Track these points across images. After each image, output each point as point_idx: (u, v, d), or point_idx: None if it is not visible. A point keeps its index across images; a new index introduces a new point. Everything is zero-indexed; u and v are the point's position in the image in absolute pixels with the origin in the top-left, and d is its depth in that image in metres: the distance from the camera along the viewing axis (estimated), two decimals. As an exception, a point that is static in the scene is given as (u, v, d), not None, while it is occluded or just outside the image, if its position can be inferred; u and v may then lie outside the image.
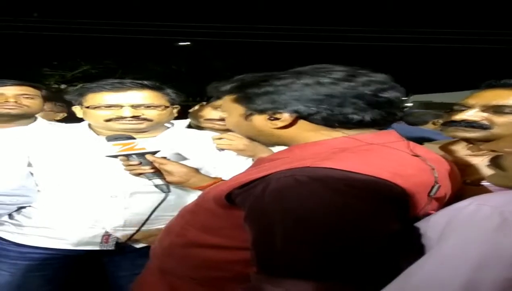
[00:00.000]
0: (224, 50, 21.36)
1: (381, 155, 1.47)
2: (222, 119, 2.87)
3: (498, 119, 1.88)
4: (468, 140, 1.98)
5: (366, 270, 1.30)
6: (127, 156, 2.19)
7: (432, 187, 1.47)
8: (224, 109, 1.74)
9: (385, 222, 1.35)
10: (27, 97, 2.99)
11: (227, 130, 2.65)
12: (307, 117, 1.52)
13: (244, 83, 1.61)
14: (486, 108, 1.90)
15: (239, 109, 1.63)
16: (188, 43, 23.26)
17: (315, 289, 1.26)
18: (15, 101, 2.92)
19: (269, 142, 1.74)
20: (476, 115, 1.92)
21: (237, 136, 2.51)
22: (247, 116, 1.61)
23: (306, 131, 1.55)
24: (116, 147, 2.18)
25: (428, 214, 1.41)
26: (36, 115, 3.14)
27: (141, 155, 2.19)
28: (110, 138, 2.22)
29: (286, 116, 1.53)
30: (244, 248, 1.45)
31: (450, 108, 2.07)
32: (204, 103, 3.11)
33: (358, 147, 1.48)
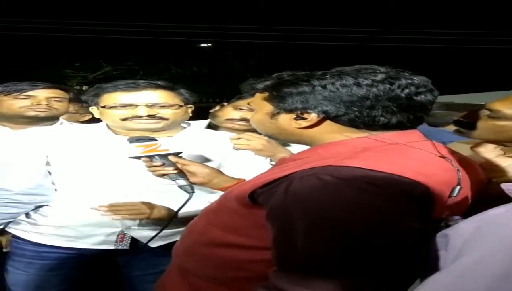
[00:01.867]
0: (245, 52, 21.38)
1: (404, 154, 1.46)
2: (243, 120, 2.89)
3: None
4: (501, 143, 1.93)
5: (388, 268, 1.30)
6: (150, 157, 2.18)
7: (453, 188, 1.44)
8: (252, 106, 1.74)
9: (408, 220, 1.35)
10: (57, 100, 3.02)
11: (247, 130, 2.65)
12: (334, 118, 1.52)
13: (282, 81, 1.60)
14: None
15: (267, 107, 1.63)
16: (209, 44, 23.33)
17: (336, 288, 1.27)
18: (47, 104, 2.96)
19: (289, 141, 1.77)
20: None
21: (255, 136, 2.51)
22: (273, 115, 1.62)
23: (329, 132, 1.55)
24: (139, 148, 2.17)
25: (449, 217, 1.38)
26: (60, 117, 3.18)
27: (164, 156, 2.18)
28: (132, 140, 2.22)
29: (313, 117, 1.53)
30: (267, 248, 1.45)
31: (472, 109, 2.02)
32: (225, 103, 3.10)
33: (381, 147, 1.47)
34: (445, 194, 1.43)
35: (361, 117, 1.49)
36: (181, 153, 2.22)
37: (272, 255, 1.41)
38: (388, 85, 1.47)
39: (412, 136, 1.54)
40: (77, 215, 2.43)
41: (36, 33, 19.34)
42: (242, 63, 21.03)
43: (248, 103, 2.74)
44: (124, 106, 2.40)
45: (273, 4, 20.21)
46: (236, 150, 2.55)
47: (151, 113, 2.39)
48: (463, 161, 1.61)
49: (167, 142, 2.25)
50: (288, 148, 2.56)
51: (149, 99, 2.41)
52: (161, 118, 2.41)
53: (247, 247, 1.56)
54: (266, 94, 1.64)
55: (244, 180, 2.19)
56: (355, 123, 1.51)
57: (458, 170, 1.48)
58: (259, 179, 1.54)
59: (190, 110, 2.58)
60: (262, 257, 1.49)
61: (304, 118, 1.54)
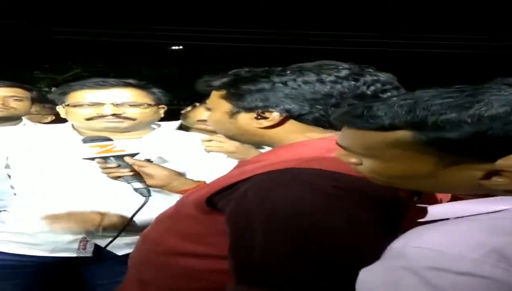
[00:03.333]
0: (216, 55, 21.44)
1: None
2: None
3: None
4: None
5: (350, 277, 1.19)
6: (105, 158, 2.08)
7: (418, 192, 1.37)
8: (209, 105, 1.65)
9: (376, 230, 1.26)
10: (15, 99, 2.95)
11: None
12: (297, 117, 1.45)
13: (240, 78, 1.52)
14: None
15: (225, 106, 1.54)
16: (181, 47, 23.31)
17: None
18: (2, 104, 2.89)
19: (250, 142, 1.70)
20: None
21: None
22: (232, 114, 1.53)
23: (293, 132, 1.48)
24: (94, 149, 2.09)
25: None
26: (22, 118, 3.09)
27: (119, 157, 2.09)
28: (86, 140, 2.13)
29: (275, 116, 1.45)
30: (226, 257, 1.36)
31: None
32: (197, 104, 3.02)
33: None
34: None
35: (326, 116, 1.43)
36: (137, 153, 2.13)
37: (230, 265, 1.33)
38: (353, 82, 1.42)
39: None
40: (36, 221, 2.29)
41: (4, 35, 19.17)
42: (214, 66, 21.05)
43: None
44: (91, 105, 2.31)
45: (247, 7, 20.26)
46: (207, 152, 2.47)
47: (117, 112, 2.29)
48: None
49: (130, 144, 2.17)
50: (262, 150, 2.46)
51: (117, 97, 2.32)
52: (126, 117, 2.31)
53: (208, 256, 1.46)
54: (224, 92, 1.55)
55: (204, 182, 2.10)
56: (320, 123, 1.45)
57: None
58: (217, 183, 1.46)
59: (162, 111, 2.49)
60: (221, 267, 1.39)
61: (265, 118, 1.47)
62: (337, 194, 1.26)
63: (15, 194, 2.37)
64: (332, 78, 1.42)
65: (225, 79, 1.55)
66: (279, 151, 1.49)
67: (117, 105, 2.30)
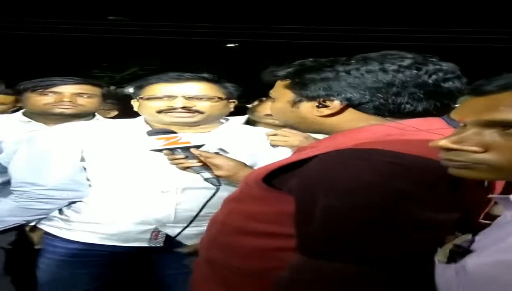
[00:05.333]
0: (273, 52, 21.39)
1: (430, 139, 1.37)
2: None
3: None
4: None
5: (406, 256, 1.26)
6: (172, 150, 2.14)
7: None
8: (273, 95, 1.69)
9: (436, 206, 1.29)
10: (84, 97, 2.97)
11: (284, 126, 2.58)
12: (358, 106, 1.47)
13: (304, 68, 1.55)
14: None
15: (288, 95, 1.58)
16: (236, 44, 23.35)
17: (349, 273, 1.25)
18: (70, 101, 2.91)
19: (309, 130, 1.73)
20: None
21: (293, 132, 2.45)
22: (295, 103, 1.57)
23: (351, 121, 1.50)
24: (160, 141, 2.14)
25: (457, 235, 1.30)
26: (96, 113, 3.15)
27: (186, 149, 2.13)
28: (151, 133, 2.19)
29: (336, 104, 1.48)
30: (295, 236, 1.40)
31: None
32: (264, 99, 3.05)
33: (404, 133, 1.41)
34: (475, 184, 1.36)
35: (386, 104, 1.45)
36: (202, 145, 2.18)
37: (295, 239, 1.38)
38: (415, 71, 1.43)
39: (436, 123, 1.47)
40: (110, 212, 2.38)
41: (64, 34, 19.52)
42: (273, 63, 20.94)
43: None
44: (163, 97, 2.35)
45: (304, 4, 20.15)
46: (273, 146, 2.49)
47: (187, 105, 2.33)
48: None
49: (195, 137, 2.22)
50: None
51: (189, 91, 2.36)
52: (196, 111, 2.35)
53: (274, 234, 1.49)
54: (288, 82, 1.59)
55: None
56: (380, 111, 1.46)
57: None
58: (275, 163, 1.50)
59: (232, 105, 2.52)
60: (291, 245, 1.42)
61: (326, 106, 1.50)
62: (397, 171, 1.27)
63: (90, 186, 2.43)
64: (395, 67, 1.43)
65: (290, 69, 1.59)
66: (337, 137, 1.51)
67: (188, 98, 2.34)
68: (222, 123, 2.55)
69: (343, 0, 18.49)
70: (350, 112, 1.49)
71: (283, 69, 1.61)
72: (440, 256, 1.12)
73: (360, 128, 1.47)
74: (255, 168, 2.21)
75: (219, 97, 2.41)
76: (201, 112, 2.36)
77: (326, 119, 1.52)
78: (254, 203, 1.54)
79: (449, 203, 1.32)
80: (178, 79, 2.38)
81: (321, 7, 19.51)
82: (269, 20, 19.85)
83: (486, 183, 1.39)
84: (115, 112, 4.46)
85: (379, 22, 18.57)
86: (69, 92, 2.92)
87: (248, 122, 3.02)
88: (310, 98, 1.52)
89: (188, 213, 2.30)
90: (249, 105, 3.12)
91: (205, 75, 2.43)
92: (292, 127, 1.76)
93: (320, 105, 1.51)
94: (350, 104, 1.47)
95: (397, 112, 1.45)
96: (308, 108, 1.54)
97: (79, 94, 2.96)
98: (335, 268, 1.26)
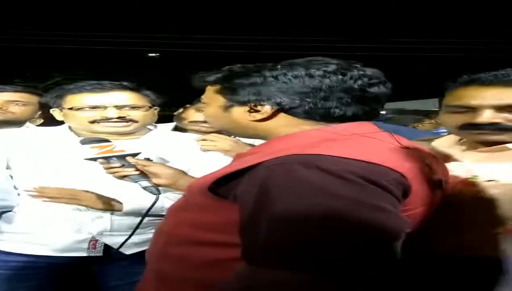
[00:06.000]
0: (194, 61, 21.42)
1: (366, 144, 1.45)
2: (206, 121, 2.84)
3: None
4: (492, 143, 1.88)
5: (359, 263, 1.26)
6: (107, 159, 2.10)
7: (440, 180, 1.47)
8: (204, 100, 1.71)
9: (386, 211, 1.31)
10: (17, 104, 2.93)
11: (212, 132, 2.63)
12: (288, 110, 1.50)
13: (233, 73, 1.58)
14: (501, 109, 1.82)
15: (219, 100, 1.60)
16: (158, 54, 23.28)
17: (297, 281, 1.24)
18: (0, 108, 2.87)
19: (244, 135, 1.74)
20: (496, 117, 1.82)
21: (221, 137, 2.50)
22: (226, 108, 1.58)
23: (285, 125, 1.52)
24: (95, 150, 2.10)
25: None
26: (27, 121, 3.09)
27: (122, 157, 2.10)
28: (85, 141, 2.15)
29: (266, 109, 1.50)
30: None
31: (425, 114, 2.05)
32: (188, 106, 3.09)
33: (339, 137, 1.45)
34: (419, 184, 1.43)
35: (316, 109, 1.48)
36: (138, 153, 2.15)
37: (241, 247, 1.38)
38: (340, 76, 1.47)
39: (368, 127, 1.53)
40: (43, 220, 2.34)
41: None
42: (193, 73, 20.97)
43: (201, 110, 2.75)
44: (93, 108, 2.34)
45: (222, 12, 20.24)
46: (204, 151, 2.51)
47: (121, 115, 2.34)
48: (431, 154, 1.62)
49: (129, 145, 2.21)
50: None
51: (118, 100, 2.37)
52: (131, 120, 2.37)
53: (225, 245, 1.46)
54: (218, 87, 1.60)
55: None
56: (310, 115, 1.49)
57: (425, 160, 1.50)
58: (219, 172, 1.49)
59: (156, 112, 2.55)
60: (238, 255, 1.41)
61: (257, 111, 1.52)
62: (344, 177, 1.29)
63: (18, 194, 2.38)
64: (320, 72, 1.46)
65: (219, 75, 1.61)
66: (274, 142, 1.53)
67: (119, 108, 2.34)
68: (151, 130, 2.56)
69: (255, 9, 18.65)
70: (283, 117, 1.52)
71: (213, 75, 1.63)
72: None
73: (296, 134, 1.50)
74: (190, 173, 2.23)
75: (149, 106, 2.44)
76: (135, 121, 2.38)
77: (260, 124, 1.54)
78: (201, 212, 1.52)
79: (400, 206, 1.36)
80: (102, 89, 2.37)
81: (237, 15, 19.67)
82: (191, 30, 19.86)
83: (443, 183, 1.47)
84: (41, 120, 4.40)
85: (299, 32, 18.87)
86: (2, 100, 2.89)
87: (176, 129, 3.05)
88: (241, 103, 1.54)
89: (124, 221, 2.31)
90: (174, 113, 3.14)
91: (126, 84, 2.44)
92: (228, 132, 1.76)
93: (252, 110, 1.53)
94: (281, 109, 1.50)
95: (327, 117, 1.49)
96: (240, 113, 1.56)
97: (13, 102, 2.92)
98: (291, 277, 1.25)
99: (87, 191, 2.27)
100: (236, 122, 1.59)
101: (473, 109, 1.84)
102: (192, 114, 3.00)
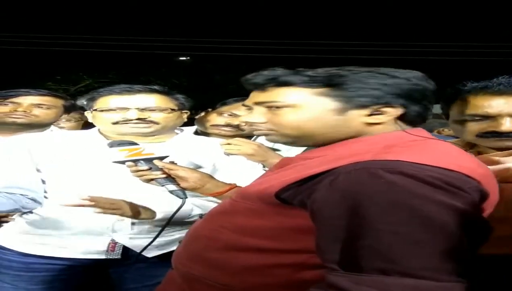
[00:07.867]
0: (224, 64, 21.52)
1: (436, 150, 1.41)
2: (227, 125, 2.87)
3: None
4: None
5: (456, 266, 1.21)
6: (135, 162, 2.08)
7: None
8: (283, 103, 1.53)
9: (470, 216, 1.27)
10: (42, 107, 2.94)
11: (234, 136, 2.65)
12: (405, 114, 1.49)
13: (342, 74, 1.49)
14: None
15: (322, 103, 1.48)
16: (188, 58, 23.43)
17: (403, 286, 1.18)
18: (24, 111, 2.87)
19: (333, 139, 1.53)
20: None
21: (245, 141, 2.49)
22: (339, 111, 1.47)
23: (383, 129, 1.49)
24: (123, 152, 2.09)
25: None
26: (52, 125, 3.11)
27: (150, 161, 2.08)
28: (113, 144, 2.14)
29: (391, 111, 1.47)
30: (293, 251, 1.39)
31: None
32: (210, 110, 3.10)
33: (405, 142, 1.42)
34: (491, 189, 1.39)
35: (422, 112, 1.51)
36: (166, 157, 2.13)
37: (324, 255, 1.30)
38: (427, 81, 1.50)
39: (425, 132, 1.51)
40: (65, 223, 2.35)
41: (17, 47, 19.25)
42: (223, 76, 21.08)
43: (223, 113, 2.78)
44: (117, 109, 2.37)
45: (253, 17, 20.30)
46: (227, 155, 2.50)
47: (141, 116, 2.36)
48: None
49: (158, 148, 2.21)
50: (278, 152, 2.54)
51: (142, 103, 2.39)
52: (151, 122, 2.38)
53: (269, 250, 1.44)
54: (318, 89, 1.48)
55: (235, 185, 2.12)
56: (410, 119, 1.50)
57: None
58: (287, 176, 1.43)
59: (185, 115, 2.56)
60: (288, 261, 1.41)
61: (381, 113, 1.47)
62: (431, 183, 1.25)
63: (46, 198, 2.40)
64: (408, 76, 1.48)
65: (320, 76, 1.50)
66: (334, 147, 1.48)
67: (141, 110, 2.36)
68: (177, 133, 2.57)
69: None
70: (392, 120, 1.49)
71: (307, 76, 1.51)
72: None
73: (356, 139, 1.47)
74: (215, 176, 2.21)
75: (172, 109, 2.44)
76: (156, 123, 2.39)
77: (370, 128, 1.48)
78: (250, 217, 1.49)
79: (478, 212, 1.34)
80: (130, 91, 2.41)
81: (264, 20, 19.73)
82: (220, 34, 19.96)
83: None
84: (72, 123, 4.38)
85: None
86: (26, 103, 2.89)
87: (197, 132, 3.06)
88: (361, 106, 1.47)
89: (145, 225, 2.32)
90: (196, 117, 3.14)
91: (156, 87, 2.47)
92: (307, 139, 1.56)
93: (375, 113, 1.47)
94: (404, 112, 1.48)
95: (419, 120, 1.51)
96: (358, 116, 1.47)
97: (37, 105, 2.92)
98: (408, 283, 1.18)
99: (125, 201, 2.24)
100: (347, 126, 1.48)
101: (491, 118, 1.88)
102: (213, 118, 2.99)
